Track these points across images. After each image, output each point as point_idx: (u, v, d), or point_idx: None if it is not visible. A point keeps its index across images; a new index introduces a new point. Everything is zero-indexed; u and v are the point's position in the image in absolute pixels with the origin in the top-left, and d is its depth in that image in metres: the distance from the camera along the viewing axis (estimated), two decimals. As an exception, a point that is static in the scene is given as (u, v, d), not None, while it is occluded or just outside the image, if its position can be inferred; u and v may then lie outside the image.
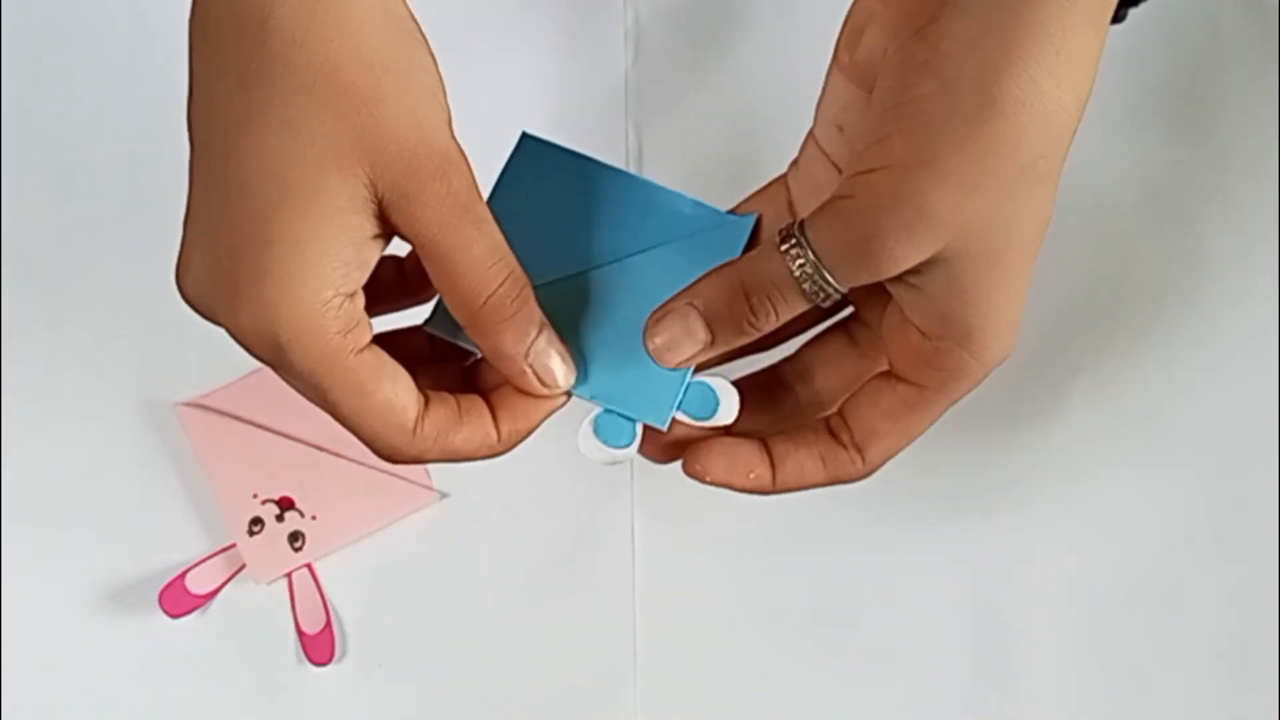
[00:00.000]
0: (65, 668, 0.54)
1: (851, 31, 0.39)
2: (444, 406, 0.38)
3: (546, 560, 0.55)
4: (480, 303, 0.37)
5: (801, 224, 0.37)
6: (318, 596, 0.54)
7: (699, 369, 0.41)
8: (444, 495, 0.55)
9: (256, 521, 0.54)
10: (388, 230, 0.36)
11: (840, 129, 0.40)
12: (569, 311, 0.41)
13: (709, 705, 0.54)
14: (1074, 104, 0.35)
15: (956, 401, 0.39)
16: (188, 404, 0.55)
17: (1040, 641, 0.54)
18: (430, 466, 0.55)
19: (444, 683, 0.54)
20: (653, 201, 0.43)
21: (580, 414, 0.41)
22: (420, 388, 0.38)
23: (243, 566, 0.54)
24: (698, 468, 0.41)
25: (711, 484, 0.41)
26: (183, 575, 0.54)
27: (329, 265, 0.35)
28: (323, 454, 0.55)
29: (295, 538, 0.54)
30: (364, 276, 0.36)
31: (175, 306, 0.55)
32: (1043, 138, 0.35)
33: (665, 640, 0.54)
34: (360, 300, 0.36)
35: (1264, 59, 0.56)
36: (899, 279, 0.37)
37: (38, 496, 0.55)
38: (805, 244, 0.37)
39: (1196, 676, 0.54)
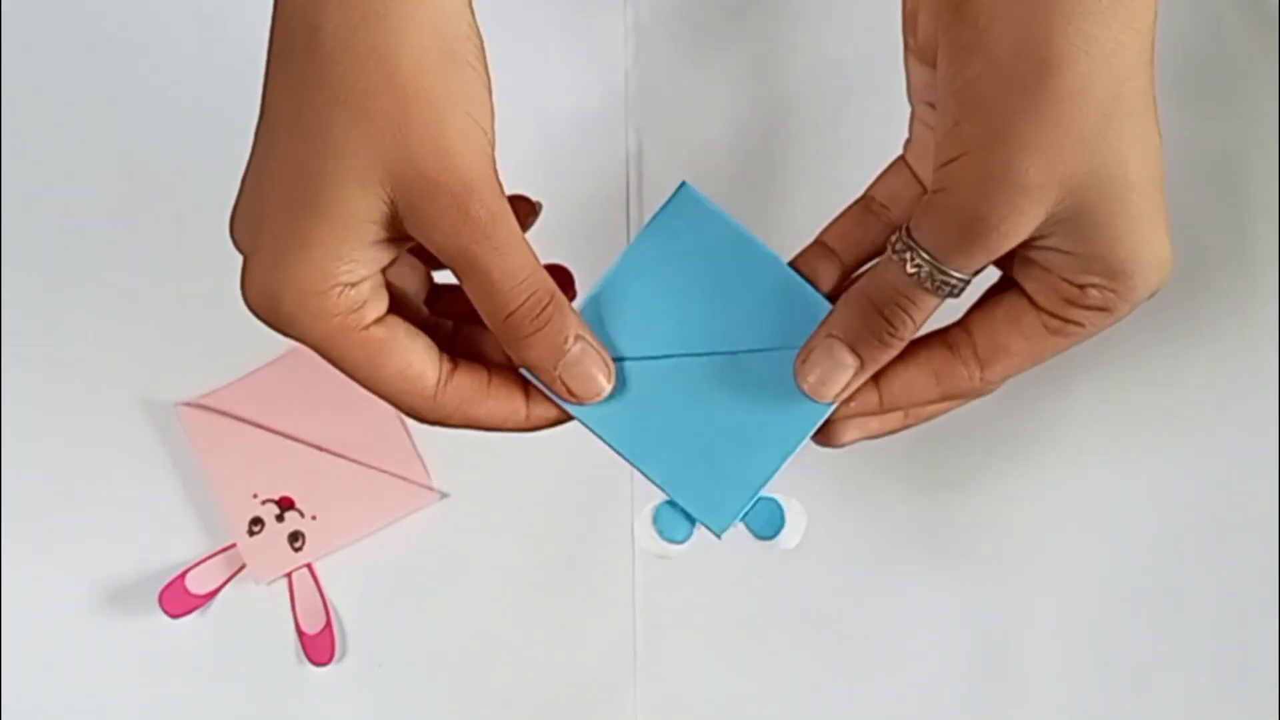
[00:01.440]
0: (65, 668, 0.54)
1: (909, 16, 0.40)
2: (471, 377, 0.40)
3: (546, 560, 0.55)
4: (501, 319, 0.38)
5: (908, 228, 0.38)
6: (318, 596, 0.54)
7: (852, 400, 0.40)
8: (444, 495, 0.55)
9: (256, 521, 0.54)
10: (408, 237, 0.37)
11: (931, 106, 0.41)
12: (670, 390, 0.41)
13: (709, 705, 0.54)
14: (1133, 38, 0.35)
15: (1107, 322, 0.39)
16: (188, 404, 0.55)
17: (1040, 643, 0.54)
18: (430, 466, 0.55)
19: (444, 683, 0.54)
20: (791, 297, 0.41)
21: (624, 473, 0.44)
22: (451, 355, 0.40)
23: (243, 566, 0.54)
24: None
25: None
26: (183, 575, 0.54)
27: (333, 263, 0.36)
28: (323, 454, 0.55)
29: (295, 538, 0.54)
30: (374, 266, 0.37)
31: (175, 306, 0.56)
32: (1110, 79, 0.35)
33: (665, 640, 0.54)
34: (368, 282, 0.37)
35: (1264, 59, 0.56)
36: (1027, 246, 0.37)
37: (38, 496, 0.55)
38: (915, 246, 0.37)
39: (1196, 677, 0.54)
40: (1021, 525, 0.54)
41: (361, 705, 0.54)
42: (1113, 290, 0.38)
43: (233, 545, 0.54)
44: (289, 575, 0.54)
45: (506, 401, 0.40)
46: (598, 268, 0.55)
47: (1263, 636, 0.54)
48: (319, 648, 0.54)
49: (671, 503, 0.41)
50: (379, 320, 0.38)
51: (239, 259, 0.55)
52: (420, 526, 0.55)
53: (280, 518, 0.54)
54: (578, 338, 0.39)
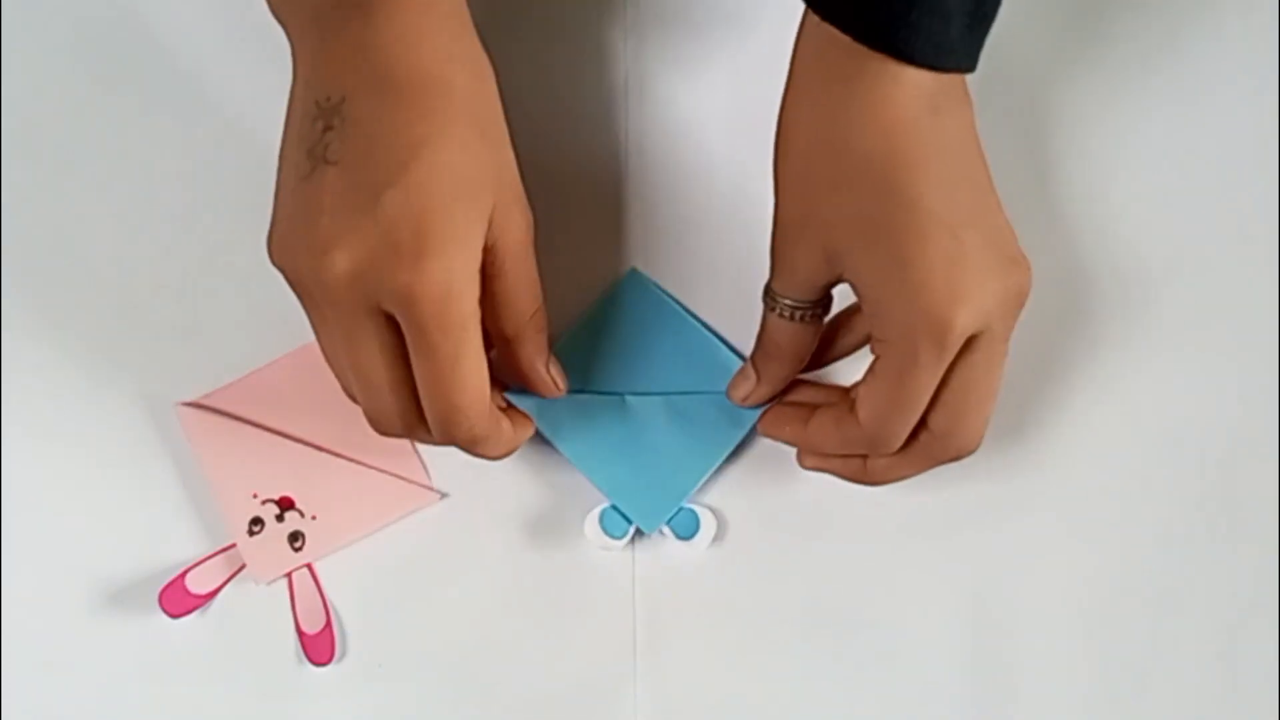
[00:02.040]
0: (65, 668, 0.54)
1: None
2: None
3: (546, 560, 0.55)
4: (531, 313, 0.48)
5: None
6: (318, 596, 0.54)
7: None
8: (444, 495, 0.55)
9: (256, 521, 0.54)
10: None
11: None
12: (618, 419, 0.54)
13: (709, 706, 0.54)
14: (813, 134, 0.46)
15: (926, 358, 0.45)
16: (188, 404, 0.55)
17: (1040, 642, 0.54)
18: (430, 466, 0.55)
19: (444, 683, 0.54)
20: (711, 354, 0.54)
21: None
22: None
23: (243, 566, 0.54)
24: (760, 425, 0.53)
25: (766, 436, 0.53)
26: (183, 575, 0.54)
27: (479, 250, 0.44)
28: (323, 454, 0.55)
29: (295, 538, 0.54)
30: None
31: (175, 306, 0.56)
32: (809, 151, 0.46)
33: (665, 640, 0.54)
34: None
35: (1264, 58, 0.56)
36: (849, 282, 0.47)
37: (38, 496, 0.55)
38: (767, 288, 0.50)
39: (1196, 677, 0.54)
40: (1020, 526, 0.54)
41: (361, 705, 0.54)
42: (892, 316, 0.45)
43: (233, 545, 0.54)
44: (289, 575, 0.54)
45: (505, 424, 0.49)
46: (595, 268, 0.55)
47: (1263, 636, 0.54)
48: (319, 648, 0.54)
49: (614, 507, 0.54)
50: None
51: (239, 259, 0.56)
52: (420, 526, 0.55)
53: (280, 518, 0.54)
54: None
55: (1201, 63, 0.56)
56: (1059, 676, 0.54)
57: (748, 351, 0.54)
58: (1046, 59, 0.56)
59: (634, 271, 0.55)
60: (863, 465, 0.50)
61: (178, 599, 0.54)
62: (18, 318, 0.56)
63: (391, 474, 0.55)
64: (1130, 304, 0.55)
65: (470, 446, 0.47)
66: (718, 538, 0.54)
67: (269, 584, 0.54)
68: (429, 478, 0.55)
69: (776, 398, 0.52)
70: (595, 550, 0.54)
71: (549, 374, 0.50)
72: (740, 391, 0.52)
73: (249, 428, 0.55)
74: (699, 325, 0.54)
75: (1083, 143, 0.56)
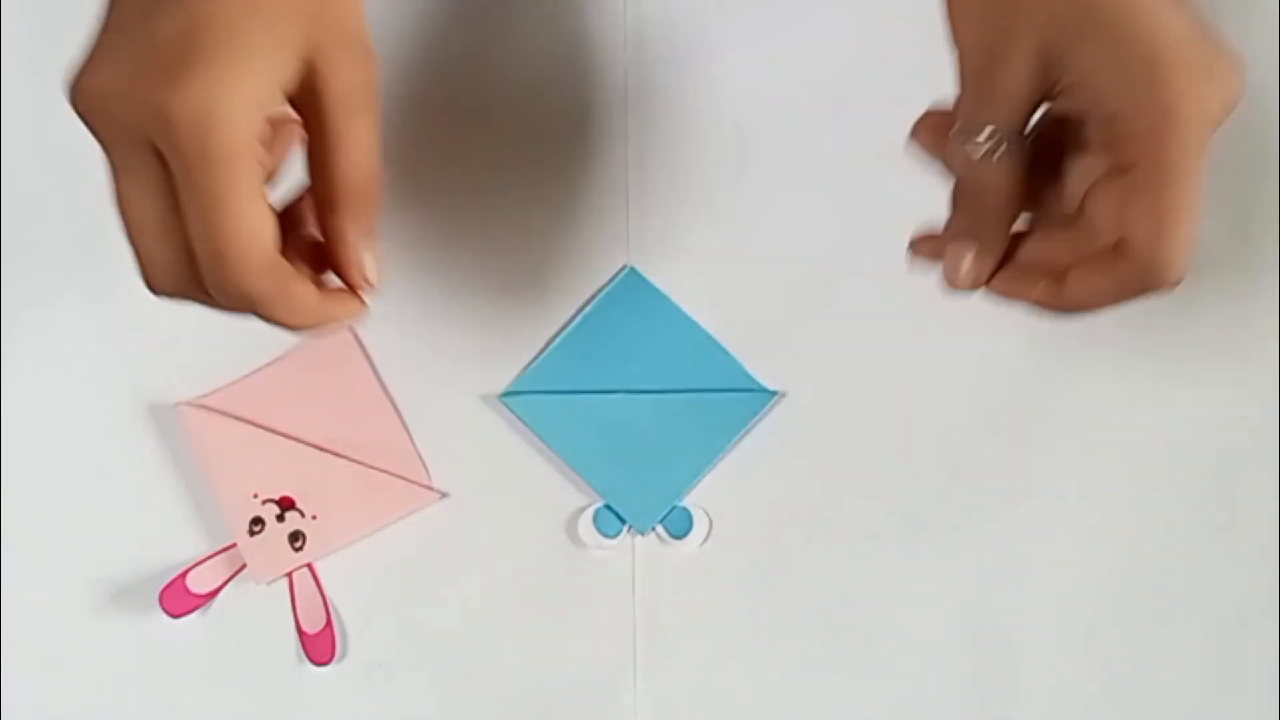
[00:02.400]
0: (65, 668, 0.54)
1: None
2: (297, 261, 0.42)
3: (546, 560, 0.55)
4: (355, 178, 0.41)
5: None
6: (318, 596, 0.54)
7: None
8: (444, 495, 0.55)
9: (257, 521, 0.54)
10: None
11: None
12: (611, 417, 0.54)
13: (709, 706, 0.54)
14: None
15: (1192, 147, 0.40)
16: (188, 404, 0.55)
17: (1040, 644, 0.54)
18: (430, 466, 0.55)
19: (444, 683, 0.54)
20: (707, 352, 0.54)
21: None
22: None
23: (243, 566, 0.54)
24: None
25: (1006, 296, 0.44)
26: (183, 575, 0.54)
27: (268, 78, 0.39)
28: (323, 454, 0.55)
29: (296, 538, 0.54)
30: (275, 109, 0.40)
31: (175, 307, 0.55)
32: None
33: (665, 640, 0.54)
34: (266, 122, 0.39)
35: (1264, 58, 0.56)
36: (1057, 94, 0.41)
37: (38, 496, 0.55)
38: (965, 135, 0.42)
39: (1196, 677, 0.54)
40: (1020, 527, 0.54)
41: (361, 705, 0.54)
42: (1140, 101, 0.39)
43: (233, 545, 0.54)
44: (289, 575, 0.54)
45: (311, 291, 0.42)
46: (591, 267, 0.55)
47: (1262, 636, 0.54)
48: (319, 647, 0.54)
49: (608, 506, 0.54)
50: (264, 173, 0.40)
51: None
52: (420, 526, 0.55)
53: (281, 518, 0.54)
54: (375, 234, 0.43)
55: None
56: (1059, 676, 0.54)
57: (744, 352, 0.54)
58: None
59: (631, 270, 0.55)
60: (1059, 290, 0.43)
61: (178, 599, 0.54)
62: (18, 318, 0.56)
63: (392, 474, 0.55)
64: (1130, 305, 0.55)
65: (248, 307, 0.41)
66: (712, 537, 0.54)
67: (269, 584, 0.54)
68: (429, 478, 0.55)
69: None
70: (595, 550, 0.54)
71: (358, 258, 0.43)
72: (961, 269, 0.44)
73: (249, 428, 0.55)
74: (695, 324, 0.55)
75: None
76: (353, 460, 0.55)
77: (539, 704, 0.54)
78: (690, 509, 0.54)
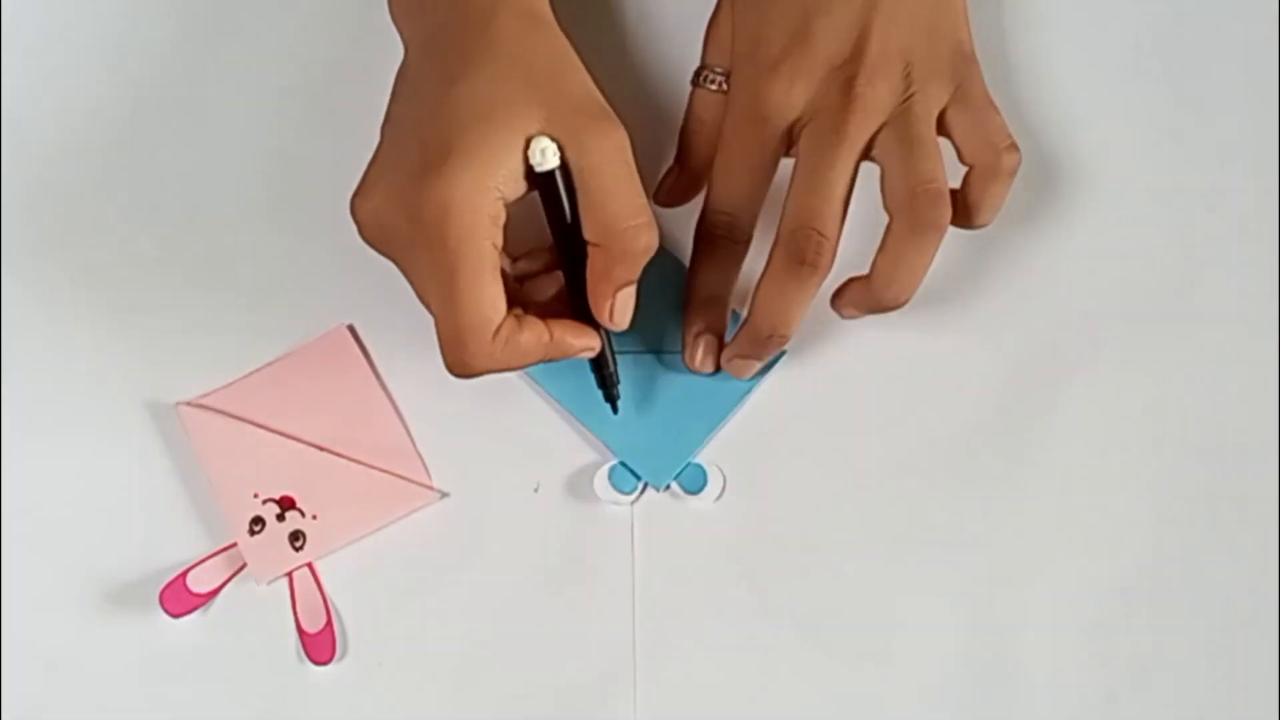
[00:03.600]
0: (65, 668, 0.54)
1: None
2: (510, 316, 0.46)
3: (546, 560, 0.55)
4: (619, 228, 0.46)
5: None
6: (318, 596, 0.54)
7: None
8: (444, 495, 0.55)
9: (257, 521, 0.54)
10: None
11: None
12: (625, 377, 0.53)
13: (708, 705, 0.54)
14: None
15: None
16: (188, 404, 0.55)
17: (1039, 646, 0.54)
18: (430, 466, 0.55)
19: (444, 682, 0.54)
20: None
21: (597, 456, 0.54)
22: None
23: (243, 566, 0.54)
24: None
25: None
26: (184, 575, 0.54)
27: (498, 167, 0.45)
28: (323, 454, 0.55)
29: (296, 537, 0.54)
30: (514, 196, 0.46)
31: (175, 306, 0.56)
32: None
33: (665, 640, 0.54)
34: (503, 224, 0.45)
35: (1264, 58, 0.56)
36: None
37: (38, 496, 0.55)
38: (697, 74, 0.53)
39: (1196, 677, 0.54)
40: (1019, 528, 0.54)
41: (362, 704, 0.54)
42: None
43: (233, 544, 0.54)
44: (290, 574, 0.54)
45: (536, 330, 0.47)
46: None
47: (1263, 636, 0.54)
48: (320, 647, 0.54)
49: (624, 463, 0.54)
50: (500, 252, 0.46)
51: (240, 259, 0.56)
52: (420, 526, 0.55)
53: (281, 517, 0.54)
54: (636, 281, 0.48)
55: (1201, 63, 0.56)
56: (1058, 675, 0.54)
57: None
58: (1046, 60, 0.56)
59: None
60: (867, 286, 0.50)
61: (179, 598, 0.54)
62: (18, 318, 0.56)
63: (392, 473, 0.55)
64: (1129, 304, 0.55)
65: (472, 376, 0.47)
66: (720, 540, 0.54)
67: (270, 583, 0.54)
68: (429, 477, 0.55)
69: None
70: (594, 550, 0.54)
71: (610, 300, 0.48)
72: (665, 185, 0.53)
73: (250, 427, 0.55)
74: None
75: (1080, 142, 0.56)
76: (353, 460, 0.55)
77: (539, 704, 0.54)
78: (704, 465, 0.54)
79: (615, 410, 0.53)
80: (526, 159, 0.46)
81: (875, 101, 0.48)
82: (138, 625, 0.54)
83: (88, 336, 0.56)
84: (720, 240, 0.51)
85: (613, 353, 0.51)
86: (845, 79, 0.48)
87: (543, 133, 0.45)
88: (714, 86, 0.52)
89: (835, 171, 0.48)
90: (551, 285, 0.51)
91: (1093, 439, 0.55)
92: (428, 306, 0.47)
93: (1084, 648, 0.54)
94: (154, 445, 0.55)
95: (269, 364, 0.55)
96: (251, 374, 0.55)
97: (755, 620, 0.54)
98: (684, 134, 0.53)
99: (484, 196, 0.44)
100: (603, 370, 0.51)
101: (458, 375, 0.46)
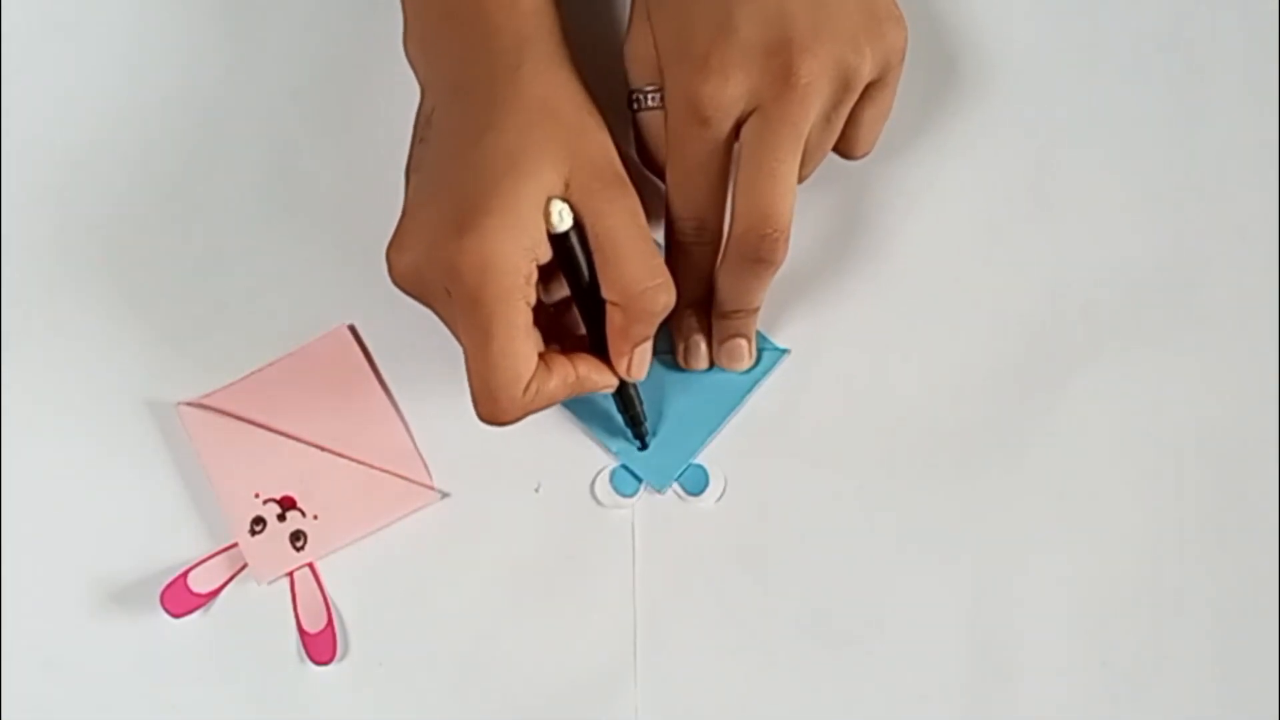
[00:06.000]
0: (65, 668, 0.54)
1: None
2: (540, 364, 0.48)
3: (546, 560, 0.55)
4: (637, 290, 0.48)
5: None
6: (319, 596, 0.54)
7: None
8: (444, 495, 0.55)
9: (258, 521, 0.54)
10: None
11: None
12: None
13: (708, 706, 0.54)
14: None
15: (680, 134, 0.49)
16: (188, 404, 0.55)
17: (1039, 647, 0.54)
18: (430, 466, 0.55)
19: (444, 682, 0.54)
20: None
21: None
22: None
23: (244, 566, 0.54)
24: None
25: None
26: (184, 575, 0.54)
27: (532, 227, 0.46)
28: (324, 454, 0.55)
29: (297, 537, 0.54)
30: (545, 258, 0.47)
31: (175, 306, 0.56)
32: None
33: (665, 640, 0.54)
34: (535, 283, 0.47)
35: (1264, 58, 0.56)
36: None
37: (38, 496, 0.55)
38: (631, 98, 0.51)
39: (1196, 677, 0.54)
40: (1019, 530, 0.54)
41: (362, 704, 0.54)
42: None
43: (234, 545, 0.54)
44: (290, 574, 0.54)
45: (562, 371, 0.49)
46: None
47: (1263, 636, 0.54)
48: (320, 647, 0.54)
49: (625, 466, 0.54)
50: (531, 309, 0.47)
51: (240, 259, 0.56)
52: (421, 526, 0.55)
53: (282, 517, 0.54)
54: (652, 337, 0.50)
55: (1201, 63, 0.56)
56: (1058, 675, 0.54)
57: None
58: (1045, 60, 0.56)
59: None
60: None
61: (179, 598, 0.54)
62: (18, 318, 0.56)
63: (392, 473, 0.55)
64: (1129, 304, 0.55)
65: (498, 425, 0.48)
66: (719, 540, 0.54)
67: (270, 583, 0.54)
68: (430, 477, 0.55)
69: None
70: (595, 550, 0.54)
71: (628, 357, 0.50)
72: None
73: (250, 427, 0.55)
74: None
75: (1080, 142, 0.56)
76: (353, 460, 0.55)
77: (539, 704, 0.54)
78: (705, 467, 0.54)
79: (644, 447, 0.54)
80: (547, 219, 0.47)
81: (817, 87, 0.47)
82: (138, 625, 0.54)
83: (88, 336, 0.56)
84: (692, 245, 0.51)
85: (638, 395, 0.52)
86: (782, 65, 0.47)
87: (561, 195, 0.47)
88: (653, 104, 0.50)
89: (785, 165, 0.48)
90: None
91: (1093, 438, 0.55)
92: (462, 347, 0.48)
93: (1084, 646, 0.54)
94: (154, 445, 0.55)
95: (269, 364, 0.55)
96: (252, 374, 0.55)
97: (756, 620, 0.54)
98: (645, 160, 0.52)
99: (520, 258, 0.46)
100: (629, 410, 0.53)
101: (489, 424, 0.48)
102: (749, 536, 0.55)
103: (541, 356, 0.48)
